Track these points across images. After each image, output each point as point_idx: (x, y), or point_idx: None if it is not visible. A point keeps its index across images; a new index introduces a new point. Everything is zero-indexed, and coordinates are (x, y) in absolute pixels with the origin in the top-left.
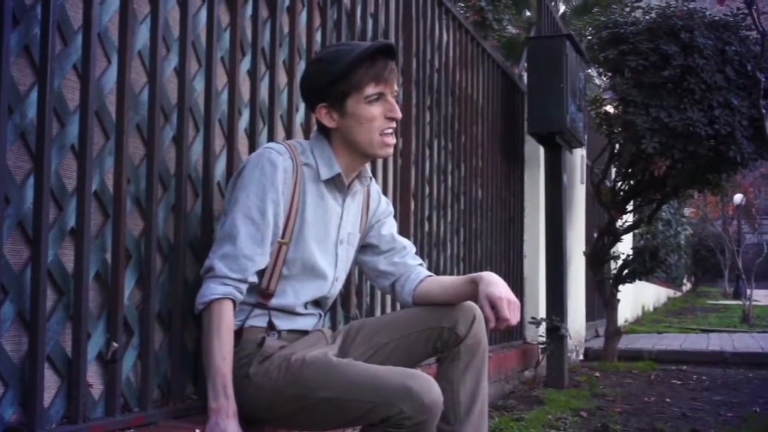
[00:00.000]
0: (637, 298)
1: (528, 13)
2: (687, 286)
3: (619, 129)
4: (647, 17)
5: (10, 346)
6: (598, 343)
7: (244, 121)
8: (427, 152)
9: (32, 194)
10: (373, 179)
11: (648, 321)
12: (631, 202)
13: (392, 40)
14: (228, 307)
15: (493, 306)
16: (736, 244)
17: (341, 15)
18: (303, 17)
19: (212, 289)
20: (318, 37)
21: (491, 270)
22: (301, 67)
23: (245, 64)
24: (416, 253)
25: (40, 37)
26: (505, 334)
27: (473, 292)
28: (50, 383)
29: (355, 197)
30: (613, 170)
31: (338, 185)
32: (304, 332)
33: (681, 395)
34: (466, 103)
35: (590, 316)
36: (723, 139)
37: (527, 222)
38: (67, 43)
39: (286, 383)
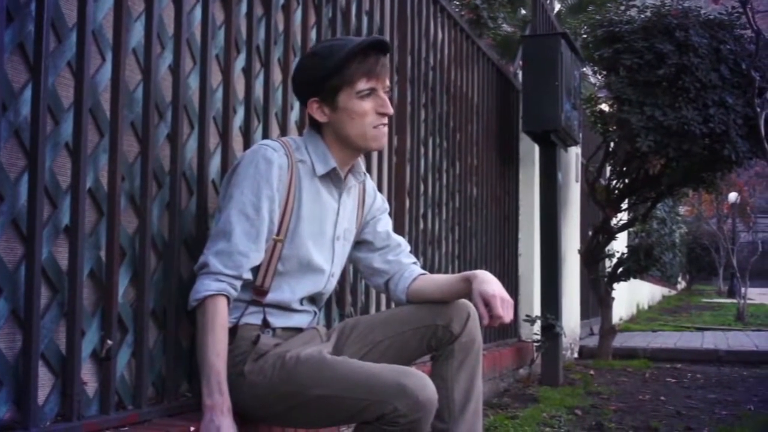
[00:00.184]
0: (631, 296)
1: (523, 12)
2: (682, 284)
3: (614, 127)
4: (642, 16)
5: (4, 343)
6: (593, 341)
7: (238, 119)
8: (422, 150)
9: (26, 191)
10: (368, 175)
11: (643, 319)
12: (626, 201)
13: (387, 37)
14: (222, 303)
15: (487, 304)
16: (730, 242)
17: (336, 13)
18: (298, 15)
19: (206, 286)
20: (313, 35)
21: (486, 268)
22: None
23: (240, 62)
24: (411, 252)
25: (35, 34)
26: (500, 332)
27: (467, 290)
28: (44, 381)
29: (351, 193)
30: (608, 168)
31: (334, 180)
32: (299, 330)
33: (675, 393)
34: (461, 101)
35: (585, 314)
36: (718, 137)
37: (522, 220)
38: (62, 40)
39: (280, 381)
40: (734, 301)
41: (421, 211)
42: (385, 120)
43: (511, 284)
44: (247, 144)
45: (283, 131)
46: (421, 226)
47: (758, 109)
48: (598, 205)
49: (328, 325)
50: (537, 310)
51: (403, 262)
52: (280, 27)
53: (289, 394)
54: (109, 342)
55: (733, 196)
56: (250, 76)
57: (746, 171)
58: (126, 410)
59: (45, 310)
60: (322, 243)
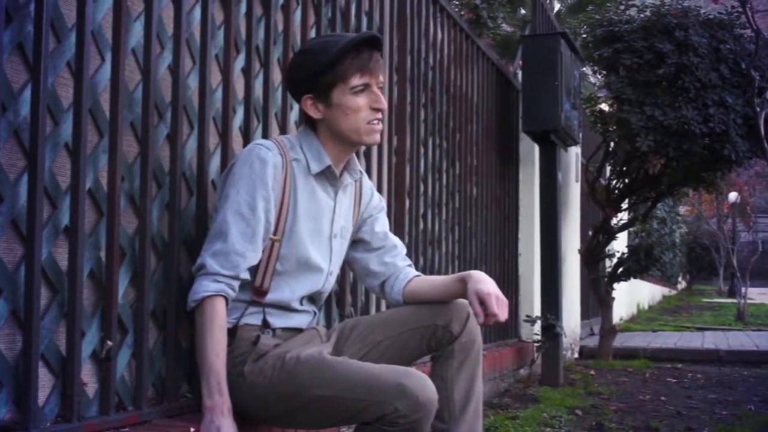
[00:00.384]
0: (632, 296)
1: (523, 11)
2: (682, 284)
3: (614, 127)
4: (642, 15)
5: (4, 344)
6: (593, 342)
7: (238, 119)
8: (422, 150)
9: (26, 192)
10: (365, 174)
11: (643, 319)
12: (626, 200)
13: (387, 37)
14: (220, 303)
15: (482, 302)
16: (731, 242)
17: (336, 13)
18: (297, 15)
19: (204, 287)
20: (312, 35)
21: (486, 268)
22: None
23: (239, 62)
24: (406, 254)
25: (34, 35)
26: (500, 332)
27: (462, 290)
28: (44, 382)
29: (347, 190)
30: (608, 168)
31: (329, 177)
32: (299, 330)
33: (676, 393)
34: (461, 101)
35: (585, 314)
36: (717, 137)
37: (522, 220)
38: (61, 40)
39: (280, 381)
40: (734, 300)
41: (421, 211)
42: (380, 115)
43: (511, 284)
44: (246, 144)
45: (283, 131)
46: (421, 226)
47: (758, 109)
48: (598, 205)
49: (328, 325)
50: (537, 311)
51: (398, 265)
52: (280, 27)
53: (290, 395)
54: (109, 343)
55: (733, 195)
56: (250, 76)
57: (746, 170)
58: (126, 411)
59: (45, 310)
60: (320, 241)
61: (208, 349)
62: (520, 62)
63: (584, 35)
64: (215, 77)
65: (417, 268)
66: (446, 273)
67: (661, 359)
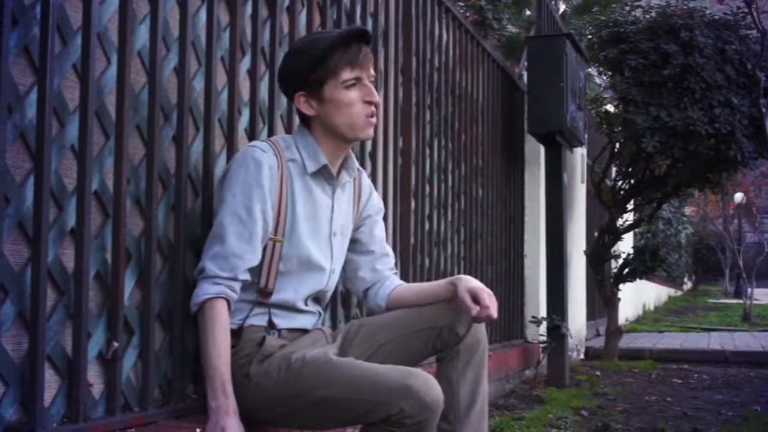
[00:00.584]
0: (637, 297)
1: (528, 13)
2: (688, 285)
3: (620, 128)
4: (647, 16)
5: (10, 345)
6: (599, 342)
7: (244, 121)
8: (428, 151)
9: (32, 194)
10: (363, 172)
11: (649, 320)
12: (632, 201)
13: (392, 39)
14: (221, 305)
15: (474, 297)
16: (736, 242)
17: (341, 14)
18: (303, 17)
19: (204, 290)
20: None
21: (492, 269)
22: None
23: (245, 64)
24: (396, 264)
25: (40, 37)
26: (506, 333)
27: (452, 293)
28: (51, 383)
29: (345, 189)
30: (614, 169)
31: (326, 176)
32: (304, 331)
33: (682, 394)
34: (466, 103)
35: (591, 315)
36: (723, 138)
37: (528, 221)
38: (67, 42)
39: (286, 382)
40: (740, 301)
41: (427, 212)
42: (373, 109)
43: (517, 285)
44: None
45: (288, 133)
46: (427, 227)
47: (764, 110)
48: (604, 206)
49: (334, 326)
50: (543, 311)
51: (386, 275)
52: (285, 29)
53: (295, 396)
54: (115, 344)
55: (738, 196)
56: (255, 78)
57: (752, 171)
58: (132, 412)
59: (51, 312)
60: (320, 240)
61: (211, 351)
62: (526, 63)
63: (589, 36)
64: (221, 79)
65: (422, 270)
66: (452, 274)
67: (667, 360)
